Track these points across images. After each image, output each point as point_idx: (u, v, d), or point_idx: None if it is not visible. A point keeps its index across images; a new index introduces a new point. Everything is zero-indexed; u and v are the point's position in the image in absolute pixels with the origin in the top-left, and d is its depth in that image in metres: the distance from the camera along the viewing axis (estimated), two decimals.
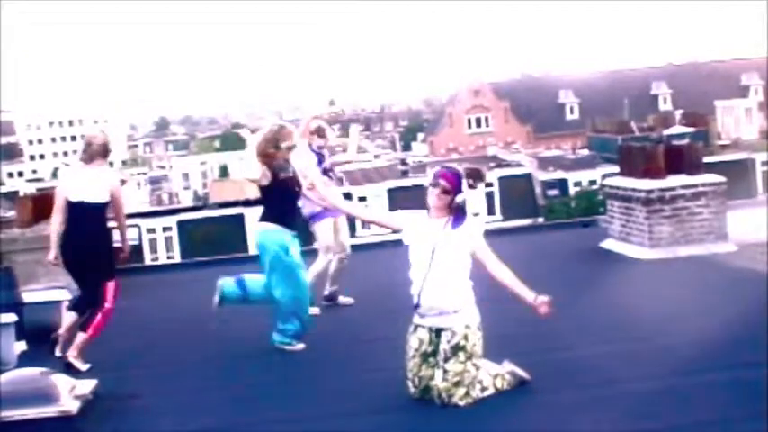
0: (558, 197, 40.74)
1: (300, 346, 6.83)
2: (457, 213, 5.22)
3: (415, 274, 5.30)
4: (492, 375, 5.32)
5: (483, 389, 5.25)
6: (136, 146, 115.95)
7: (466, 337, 5.18)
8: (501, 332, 6.71)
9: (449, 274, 5.19)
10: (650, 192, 9.74)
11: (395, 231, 5.58)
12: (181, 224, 37.11)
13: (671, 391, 5.17)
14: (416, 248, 5.30)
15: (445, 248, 5.19)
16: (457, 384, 5.14)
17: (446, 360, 5.17)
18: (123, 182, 7.74)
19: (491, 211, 39.03)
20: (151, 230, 36.26)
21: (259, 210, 7.11)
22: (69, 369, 6.33)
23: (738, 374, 5.39)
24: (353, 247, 8.60)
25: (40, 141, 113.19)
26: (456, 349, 5.16)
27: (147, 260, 33.01)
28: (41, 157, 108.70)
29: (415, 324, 5.35)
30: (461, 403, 5.14)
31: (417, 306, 5.29)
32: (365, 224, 9.33)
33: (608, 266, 9.47)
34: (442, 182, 5.21)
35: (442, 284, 5.19)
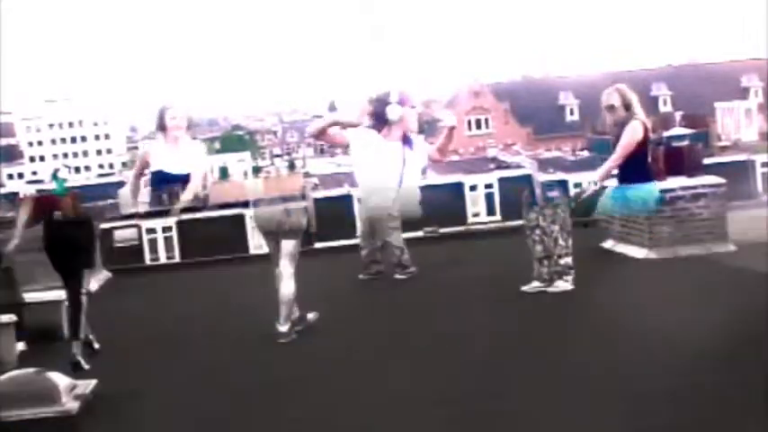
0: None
1: None
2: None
3: None
4: None
5: None
6: (136, 147, 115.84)
7: None
8: (500, 331, 6.73)
9: None
10: None
11: None
12: (181, 224, 37.03)
13: (670, 392, 5.17)
14: None
15: None
16: None
17: None
18: None
19: (491, 212, 39.03)
20: (151, 231, 36.19)
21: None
22: None
23: (738, 375, 5.39)
24: (350, 247, 8.62)
25: (39, 143, 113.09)
26: None
27: (147, 260, 32.97)
28: (41, 158, 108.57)
29: None
30: None
31: None
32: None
33: (608, 266, 9.46)
34: None
35: None
